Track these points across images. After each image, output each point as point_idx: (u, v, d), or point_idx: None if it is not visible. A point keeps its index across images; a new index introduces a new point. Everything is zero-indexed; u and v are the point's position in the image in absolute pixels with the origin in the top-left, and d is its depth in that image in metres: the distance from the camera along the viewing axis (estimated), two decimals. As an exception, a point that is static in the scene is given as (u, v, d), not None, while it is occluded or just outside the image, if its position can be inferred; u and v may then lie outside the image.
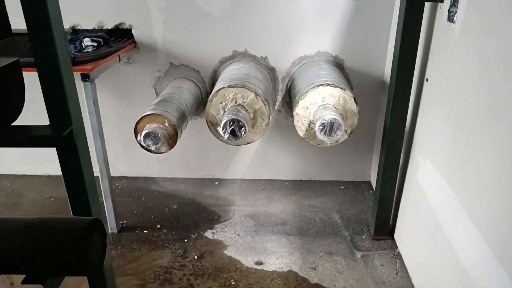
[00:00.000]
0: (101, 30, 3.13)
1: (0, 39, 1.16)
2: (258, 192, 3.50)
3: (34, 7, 1.10)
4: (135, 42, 3.21)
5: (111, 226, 2.98)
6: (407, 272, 2.59)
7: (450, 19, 2.11)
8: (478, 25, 1.86)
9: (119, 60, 2.98)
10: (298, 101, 2.72)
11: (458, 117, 2.03)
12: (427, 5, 2.34)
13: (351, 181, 3.64)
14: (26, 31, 1.22)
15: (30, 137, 1.25)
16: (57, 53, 1.15)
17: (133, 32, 3.19)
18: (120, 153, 3.62)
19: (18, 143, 1.26)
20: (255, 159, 3.65)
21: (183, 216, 3.18)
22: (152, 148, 2.62)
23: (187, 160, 3.68)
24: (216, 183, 3.64)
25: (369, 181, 3.62)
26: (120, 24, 3.17)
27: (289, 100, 3.34)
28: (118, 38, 3.14)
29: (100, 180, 2.82)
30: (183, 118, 2.82)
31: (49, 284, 1.23)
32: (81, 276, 1.43)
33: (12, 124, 1.26)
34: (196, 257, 2.75)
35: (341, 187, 3.56)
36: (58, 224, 1.28)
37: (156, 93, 3.36)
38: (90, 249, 1.25)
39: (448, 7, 2.12)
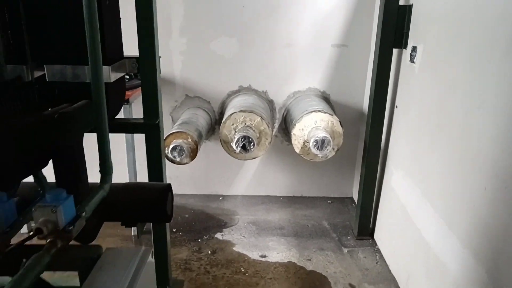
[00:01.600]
0: (131, 65, 3.76)
1: (117, 61, 1.77)
2: (257, 205, 4.07)
3: (146, 40, 1.73)
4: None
5: (133, 230, 3.47)
6: (385, 261, 3.16)
7: (412, 60, 2.85)
8: (431, 64, 2.59)
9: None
10: (295, 124, 3.38)
11: (418, 133, 2.71)
12: (395, 51, 3.09)
13: (336, 197, 4.25)
14: (130, 56, 1.86)
15: (130, 125, 1.84)
16: (156, 69, 1.78)
17: (156, 68, 3.83)
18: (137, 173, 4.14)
19: (122, 129, 1.83)
20: (254, 178, 4.24)
21: (195, 223, 3.70)
22: (178, 159, 3.20)
23: (195, 179, 4.24)
24: (220, 198, 4.19)
25: (352, 197, 4.24)
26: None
27: (285, 127, 3.99)
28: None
29: (130, 188, 3.33)
30: (200, 136, 3.43)
31: (139, 226, 1.77)
32: (160, 222, 1.98)
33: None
34: (209, 252, 3.25)
35: (328, 201, 4.16)
36: (147, 186, 1.84)
37: (172, 120, 3.97)
38: (168, 203, 1.81)
39: (410, 52, 2.87)
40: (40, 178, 1.36)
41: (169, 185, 1.84)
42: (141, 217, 1.79)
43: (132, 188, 1.82)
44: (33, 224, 1.13)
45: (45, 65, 1.61)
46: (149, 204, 1.78)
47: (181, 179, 4.23)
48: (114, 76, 1.68)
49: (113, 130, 1.74)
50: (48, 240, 1.11)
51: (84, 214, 1.21)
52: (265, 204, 4.09)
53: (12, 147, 1.18)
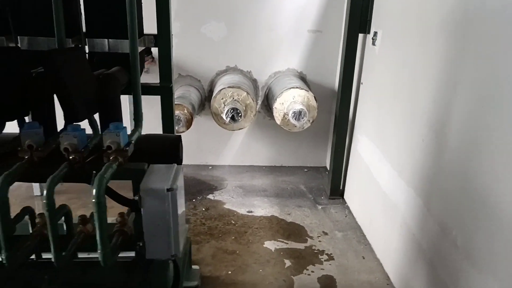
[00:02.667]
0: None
1: (139, 37, 2.24)
2: (243, 173, 4.59)
3: (164, 21, 2.21)
4: (153, 57, 4.30)
5: (135, 192, 3.94)
6: (353, 215, 3.75)
7: (373, 43, 3.41)
8: (387, 46, 3.15)
9: (145, 68, 4.04)
10: (276, 99, 3.91)
11: (378, 103, 3.29)
12: (360, 35, 3.64)
13: (312, 166, 4.82)
14: (149, 33, 2.34)
15: (150, 87, 2.33)
16: (170, 43, 2.26)
17: (152, 50, 4.28)
18: (134, 144, 4.59)
19: (144, 91, 2.31)
20: (240, 149, 4.75)
21: (189, 187, 4.19)
22: (175, 128, 3.67)
23: (186, 149, 4.68)
24: (210, 167, 4.70)
25: (325, 166, 4.81)
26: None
27: (267, 103, 4.51)
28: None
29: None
30: (194, 109, 3.92)
31: (158, 167, 2.26)
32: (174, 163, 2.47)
33: (137, 83, 2.33)
34: (203, 209, 3.77)
35: (305, 170, 4.73)
36: (163, 136, 2.34)
37: (166, 96, 4.42)
38: (180, 151, 2.31)
39: (372, 36, 3.42)
40: (92, 121, 1.83)
41: (180, 136, 2.34)
42: (160, 159, 2.28)
43: (152, 137, 2.31)
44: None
45: (87, 39, 2.07)
46: (166, 149, 2.28)
47: (173, 151, 4.69)
48: (139, 49, 2.15)
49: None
50: (111, 157, 1.61)
51: (133, 141, 1.71)
52: (250, 172, 4.62)
53: (85, 94, 1.66)
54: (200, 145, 4.71)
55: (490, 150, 1.87)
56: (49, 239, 1.51)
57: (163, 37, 2.27)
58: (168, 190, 1.53)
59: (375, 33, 3.38)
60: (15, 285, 1.70)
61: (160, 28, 2.26)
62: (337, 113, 3.89)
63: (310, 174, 4.65)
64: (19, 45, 2.04)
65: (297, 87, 3.88)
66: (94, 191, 1.43)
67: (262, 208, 3.83)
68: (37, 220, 1.71)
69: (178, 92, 4.23)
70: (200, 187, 4.22)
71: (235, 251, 3.17)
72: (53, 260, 1.50)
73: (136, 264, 1.69)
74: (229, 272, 2.93)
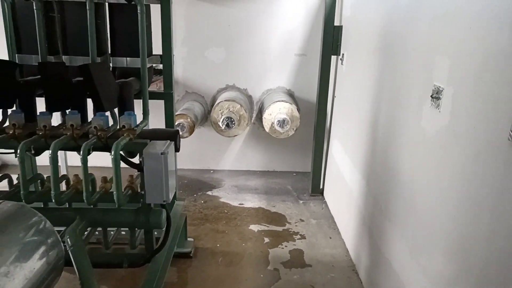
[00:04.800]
0: (145, 68, 5.04)
1: (148, 57, 3.04)
2: (239, 176, 5.32)
3: (167, 44, 3.02)
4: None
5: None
6: (328, 208, 4.41)
7: (342, 63, 4.16)
8: (350, 65, 3.90)
9: (157, 86, 4.87)
10: (265, 110, 4.67)
11: (344, 111, 4.01)
12: (333, 57, 4.40)
13: (300, 171, 5.51)
14: (155, 54, 3.14)
15: (156, 93, 3.12)
16: (171, 61, 3.06)
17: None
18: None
19: (151, 96, 3.10)
20: (237, 156, 5.49)
21: (191, 185, 4.94)
22: (180, 133, 4.45)
23: (191, 156, 5.48)
24: (211, 171, 5.44)
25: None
26: (156, 66, 5.11)
27: (260, 117, 5.26)
28: (154, 74, 5.05)
29: (144, 155, 4.58)
30: (196, 119, 4.70)
31: (161, 153, 3.01)
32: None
33: (146, 91, 3.12)
34: (202, 201, 4.49)
35: (293, 174, 5.43)
36: (165, 130, 3.10)
37: (175, 109, 5.22)
38: (177, 141, 3.06)
39: (341, 57, 4.18)
40: (113, 113, 2.61)
41: (178, 130, 3.10)
42: (161, 147, 3.03)
43: (157, 130, 3.08)
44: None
45: (110, 57, 2.88)
46: (166, 138, 3.03)
47: (180, 157, 5.43)
48: (148, 65, 2.95)
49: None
50: (125, 134, 2.37)
51: (140, 125, 2.47)
52: (245, 176, 5.34)
53: (108, 93, 2.44)
54: (203, 153, 5.47)
55: (397, 139, 2.57)
56: (82, 192, 2.27)
57: (166, 56, 3.07)
58: (161, 153, 2.28)
59: (343, 55, 4.14)
60: (56, 221, 2.46)
61: (164, 50, 3.06)
62: (315, 123, 4.62)
63: (298, 177, 5.34)
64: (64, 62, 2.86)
65: (282, 101, 4.64)
66: (112, 151, 2.19)
67: (252, 202, 4.53)
68: (73, 178, 2.48)
69: (184, 105, 5.03)
70: (201, 186, 4.96)
71: (225, 231, 3.87)
72: (84, 199, 2.25)
73: (140, 210, 2.42)
74: (218, 245, 3.62)
